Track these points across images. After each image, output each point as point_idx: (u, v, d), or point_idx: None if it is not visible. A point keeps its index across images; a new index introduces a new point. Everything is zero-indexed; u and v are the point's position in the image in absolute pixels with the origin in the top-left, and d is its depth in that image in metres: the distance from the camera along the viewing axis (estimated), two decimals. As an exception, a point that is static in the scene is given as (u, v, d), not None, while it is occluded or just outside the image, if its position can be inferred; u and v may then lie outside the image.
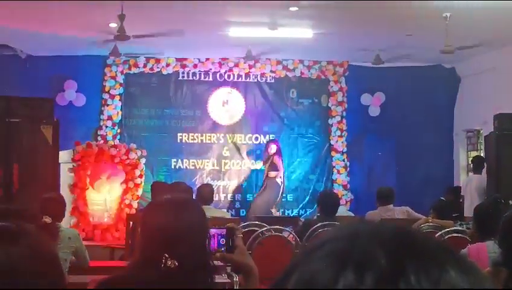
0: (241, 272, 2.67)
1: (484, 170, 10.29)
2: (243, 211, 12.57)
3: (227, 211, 11.19)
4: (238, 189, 12.89)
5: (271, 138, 12.58)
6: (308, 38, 11.04)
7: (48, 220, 5.31)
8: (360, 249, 0.72)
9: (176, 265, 2.24)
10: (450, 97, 13.31)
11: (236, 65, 12.88)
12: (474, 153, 12.56)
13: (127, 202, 11.15)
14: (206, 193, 8.03)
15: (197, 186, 8.89)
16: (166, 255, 2.25)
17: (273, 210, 11.80)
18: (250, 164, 12.82)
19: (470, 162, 12.27)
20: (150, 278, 2.24)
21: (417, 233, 0.76)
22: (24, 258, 1.46)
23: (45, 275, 1.48)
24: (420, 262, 0.70)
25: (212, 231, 2.60)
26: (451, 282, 0.70)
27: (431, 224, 7.63)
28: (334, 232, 0.77)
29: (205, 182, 11.33)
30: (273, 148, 11.99)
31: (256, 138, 12.93)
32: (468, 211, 8.77)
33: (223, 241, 2.52)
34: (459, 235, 6.79)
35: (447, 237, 6.74)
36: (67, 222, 10.24)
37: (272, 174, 11.84)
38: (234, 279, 5.64)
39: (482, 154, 11.69)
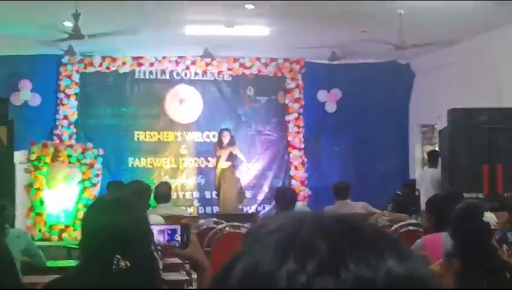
0: (195, 269, 2.69)
1: (439, 164, 10.44)
2: (201, 209, 12.58)
3: (186, 209, 11.18)
4: (196, 186, 12.87)
5: (223, 127, 12.43)
6: (265, 36, 11.08)
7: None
8: (302, 238, 0.75)
9: (128, 266, 2.23)
10: (405, 93, 13.47)
11: (193, 63, 12.87)
12: (429, 148, 12.74)
13: (83, 202, 11.06)
14: (164, 191, 8.03)
15: (155, 184, 8.88)
16: (119, 257, 2.23)
17: (238, 204, 11.81)
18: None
19: (425, 156, 12.44)
20: (101, 280, 2.22)
21: (358, 222, 0.79)
22: None
23: (3, 275, 1.48)
24: (360, 250, 0.73)
25: (163, 227, 2.62)
26: (388, 267, 0.73)
27: (386, 218, 7.73)
28: (278, 222, 0.80)
29: (163, 180, 11.30)
30: (226, 138, 11.93)
31: (214, 135, 12.93)
32: (424, 205, 8.89)
33: (176, 237, 2.54)
34: (414, 228, 6.89)
35: (402, 230, 6.83)
36: (22, 223, 10.15)
37: (225, 164, 11.80)
38: (193, 276, 5.66)
39: (436, 149, 11.86)
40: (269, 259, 0.74)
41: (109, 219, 2.32)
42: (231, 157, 11.92)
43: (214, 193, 12.46)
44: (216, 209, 12.16)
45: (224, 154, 11.86)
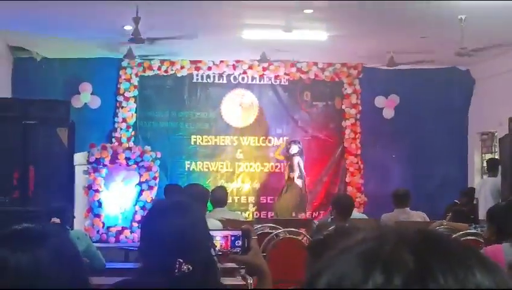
0: (255, 274, 2.68)
1: (499, 173, 10.25)
2: (256, 214, 12.60)
3: (241, 214, 11.22)
4: (252, 191, 12.89)
5: (292, 139, 12.54)
6: (322, 41, 11.04)
7: (56, 220, 5.36)
8: (387, 250, 0.74)
9: (190, 269, 2.24)
10: (464, 99, 13.26)
11: (251, 67, 12.91)
12: (488, 156, 12.51)
13: (140, 204, 11.17)
14: (220, 195, 8.05)
15: (211, 188, 8.92)
16: (181, 260, 2.24)
17: (294, 213, 11.81)
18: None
19: (484, 165, 12.23)
20: (164, 283, 2.23)
21: (441, 234, 0.78)
22: (50, 260, 1.47)
23: (71, 276, 1.49)
24: (446, 262, 0.72)
25: (226, 232, 2.62)
26: (477, 282, 0.71)
27: (445, 227, 7.61)
28: (360, 235, 0.79)
29: (219, 184, 11.35)
30: (294, 149, 12.05)
31: (270, 140, 12.93)
32: (483, 214, 8.73)
33: (238, 243, 2.54)
34: (474, 237, 6.77)
35: (463, 239, 6.71)
36: (81, 224, 10.30)
37: (292, 175, 11.91)
38: (248, 281, 5.66)
39: (496, 157, 11.64)
40: (355, 272, 0.73)
41: (169, 223, 2.33)
42: (297, 167, 11.99)
43: (269, 197, 12.49)
44: (271, 214, 12.17)
45: (292, 163, 11.98)
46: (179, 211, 2.41)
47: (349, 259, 0.75)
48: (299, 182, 12.00)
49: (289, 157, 12.07)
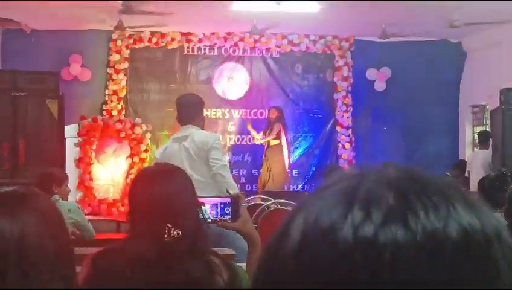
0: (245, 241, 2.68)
1: (490, 145, 10.28)
2: (248, 186, 12.59)
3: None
4: (243, 164, 12.89)
5: (273, 106, 12.46)
6: (314, 13, 10.97)
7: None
8: (366, 187, 0.72)
9: (180, 234, 2.23)
10: (456, 72, 13.24)
11: (242, 40, 12.84)
12: (480, 128, 12.53)
13: (132, 176, 11.17)
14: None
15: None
16: (170, 226, 2.23)
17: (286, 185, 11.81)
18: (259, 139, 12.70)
19: (475, 137, 12.25)
20: (152, 249, 2.22)
21: (424, 173, 0.75)
22: (33, 221, 1.45)
23: (54, 237, 1.48)
24: (428, 198, 0.70)
25: (215, 199, 2.61)
26: (459, 218, 0.70)
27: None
28: (339, 175, 0.77)
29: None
30: (273, 114, 12.00)
31: (261, 113, 12.90)
32: (474, 186, 8.76)
33: (227, 210, 2.53)
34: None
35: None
36: (73, 196, 10.29)
37: (274, 142, 11.84)
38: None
39: (488, 129, 11.66)
40: (332, 209, 0.71)
41: (155, 189, 2.32)
42: (279, 135, 11.92)
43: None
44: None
45: (274, 130, 11.87)
46: (165, 177, 2.39)
47: (327, 196, 0.73)
48: (284, 151, 11.98)
49: (271, 123, 12.00)
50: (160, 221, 2.23)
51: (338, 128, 13.08)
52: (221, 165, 5.38)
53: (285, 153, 12.16)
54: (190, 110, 5.71)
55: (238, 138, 12.94)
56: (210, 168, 5.36)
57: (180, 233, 2.22)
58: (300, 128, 13.02)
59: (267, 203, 7.82)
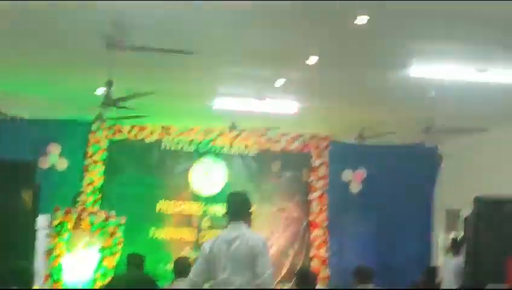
0: None
1: (463, 252, 10.25)
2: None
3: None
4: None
5: None
6: (293, 113, 11.11)
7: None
8: None
9: None
10: (431, 176, 13.36)
11: (220, 135, 12.92)
12: (453, 234, 12.54)
13: (102, 271, 11.00)
14: (183, 266, 7.94)
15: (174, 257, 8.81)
16: None
17: None
18: None
19: (449, 243, 12.24)
20: None
21: None
22: None
23: None
24: None
25: None
26: None
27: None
28: None
29: (182, 254, 11.21)
30: None
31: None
32: (447, 293, 8.74)
33: None
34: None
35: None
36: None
37: None
38: None
39: (461, 236, 11.67)
40: None
41: None
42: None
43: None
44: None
45: None
46: (133, 287, 2.38)
47: None
48: None
49: None
50: None
51: (312, 228, 13.04)
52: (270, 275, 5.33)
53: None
54: (241, 208, 5.67)
55: (213, 233, 12.81)
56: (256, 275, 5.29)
57: None
58: (274, 227, 12.96)
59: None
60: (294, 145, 13.22)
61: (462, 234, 11.70)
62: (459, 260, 10.21)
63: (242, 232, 5.47)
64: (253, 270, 5.30)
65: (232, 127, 12.02)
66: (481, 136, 11.68)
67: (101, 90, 9.68)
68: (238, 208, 5.64)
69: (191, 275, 5.54)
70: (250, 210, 5.75)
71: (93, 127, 12.42)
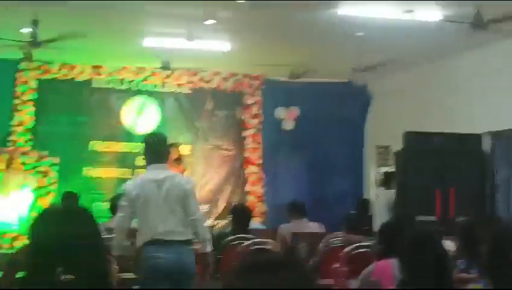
0: None
1: (394, 185, 10.54)
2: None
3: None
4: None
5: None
6: (226, 51, 11.06)
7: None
8: None
9: (72, 279, 2.23)
10: (361, 113, 13.60)
11: (153, 74, 12.81)
12: (384, 169, 12.85)
13: (37, 210, 10.90)
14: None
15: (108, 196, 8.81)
16: (60, 269, 2.23)
17: None
18: None
19: (379, 177, 12.55)
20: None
21: None
22: None
23: None
24: None
25: None
26: None
27: (340, 238, 7.74)
28: None
29: (118, 192, 11.17)
30: (175, 154, 11.86)
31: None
32: (377, 226, 8.96)
33: None
34: (366, 250, 6.91)
35: (356, 251, 6.85)
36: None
37: None
38: None
39: (392, 170, 11.96)
40: None
41: (52, 230, 2.30)
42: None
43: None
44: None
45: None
46: (67, 218, 2.38)
47: None
48: None
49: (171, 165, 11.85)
50: (53, 262, 2.23)
51: (247, 165, 13.18)
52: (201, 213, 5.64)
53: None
54: (162, 150, 5.65)
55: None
56: (188, 214, 5.42)
57: (73, 277, 2.22)
58: (209, 165, 13.04)
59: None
60: (227, 84, 13.21)
61: (393, 168, 12.00)
62: (390, 193, 10.49)
63: (170, 174, 5.52)
64: (185, 209, 5.41)
65: (165, 67, 11.88)
66: (409, 73, 11.90)
67: (26, 30, 9.45)
68: (159, 149, 5.63)
69: (119, 223, 5.53)
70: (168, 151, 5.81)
71: (20, 66, 12.11)
